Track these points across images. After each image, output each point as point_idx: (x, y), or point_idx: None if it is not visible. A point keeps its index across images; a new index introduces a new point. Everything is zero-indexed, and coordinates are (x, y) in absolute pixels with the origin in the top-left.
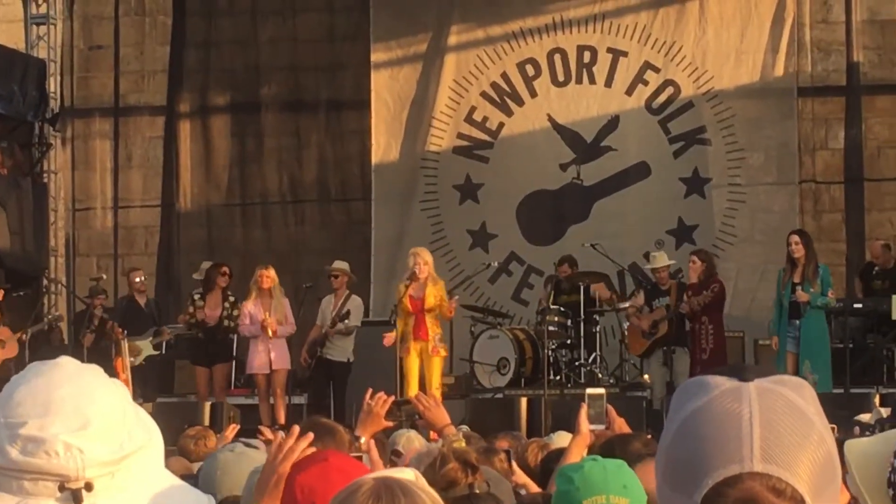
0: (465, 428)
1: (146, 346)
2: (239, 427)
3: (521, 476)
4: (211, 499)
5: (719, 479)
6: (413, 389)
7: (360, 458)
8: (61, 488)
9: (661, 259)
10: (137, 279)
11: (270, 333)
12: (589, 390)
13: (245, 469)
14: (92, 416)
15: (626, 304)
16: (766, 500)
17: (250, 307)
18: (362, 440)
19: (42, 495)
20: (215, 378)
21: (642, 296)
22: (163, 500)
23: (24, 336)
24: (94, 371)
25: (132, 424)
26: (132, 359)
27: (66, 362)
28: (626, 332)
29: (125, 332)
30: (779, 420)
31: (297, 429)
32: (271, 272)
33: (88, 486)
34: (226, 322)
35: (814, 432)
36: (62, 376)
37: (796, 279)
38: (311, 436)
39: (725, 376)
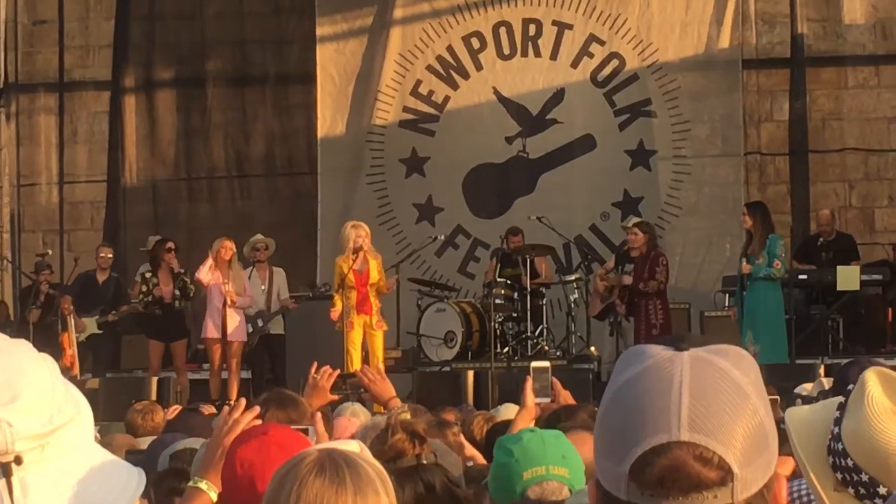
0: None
1: (91, 324)
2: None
3: (469, 448)
4: (141, 472)
5: (647, 448)
6: (356, 363)
7: (305, 430)
8: None
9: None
10: (103, 254)
11: (229, 302)
12: (534, 364)
13: None
14: (21, 390)
15: (574, 277)
16: (692, 468)
17: (206, 275)
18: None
19: None
20: (175, 354)
21: (613, 259)
22: (93, 473)
23: None
24: (24, 346)
25: (61, 399)
26: (77, 334)
27: None
28: (573, 305)
29: (72, 307)
30: (709, 389)
31: (243, 402)
32: (231, 243)
33: (18, 460)
34: (178, 296)
35: (747, 403)
36: None
37: (749, 252)
38: (257, 409)
39: (663, 346)
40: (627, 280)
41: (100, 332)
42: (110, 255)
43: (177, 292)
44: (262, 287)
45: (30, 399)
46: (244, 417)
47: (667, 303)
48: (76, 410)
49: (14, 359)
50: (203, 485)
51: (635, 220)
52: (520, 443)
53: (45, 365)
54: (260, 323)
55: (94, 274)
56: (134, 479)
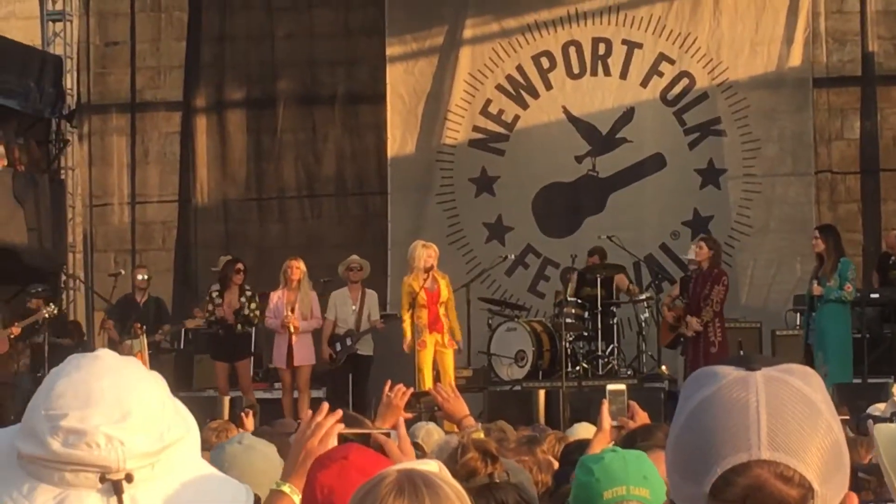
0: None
1: (136, 345)
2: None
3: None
4: (248, 489)
5: (727, 467)
6: (428, 382)
7: (388, 434)
8: (102, 479)
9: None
10: (140, 276)
11: (292, 329)
12: (610, 386)
13: (252, 461)
14: (132, 408)
15: (645, 296)
16: (773, 487)
17: (275, 300)
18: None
19: (83, 486)
20: (240, 373)
21: (678, 287)
22: (201, 489)
23: (14, 331)
24: (134, 363)
25: (171, 416)
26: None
27: (106, 355)
28: (643, 324)
29: (143, 327)
30: (786, 408)
31: (326, 406)
32: (301, 263)
33: (129, 478)
34: (243, 316)
35: (821, 420)
36: (102, 369)
37: (819, 274)
38: (339, 413)
39: (733, 366)
40: (691, 330)
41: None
42: (146, 277)
43: (238, 324)
44: (353, 307)
45: (140, 417)
46: (327, 421)
47: (724, 321)
48: (185, 428)
49: (124, 377)
50: (286, 488)
51: (693, 246)
52: (601, 462)
53: (155, 383)
54: (349, 342)
55: (132, 296)
56: (242, 496)
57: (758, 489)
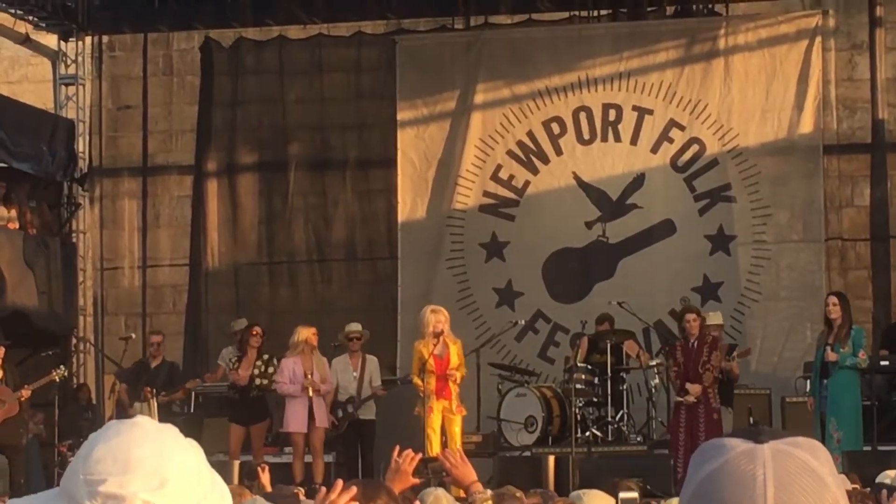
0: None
1: (142, 409)
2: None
3: None
4: None
5: None
6: (436, 447)
7: None
8: None
9: (716, 318)
10: (153, 341)
11: (311, 393)
12: (622, 495)
13: None
14: (170, 476)
15: (655, 363)
16: None
17: (290, 365)
18: None
19: None
20: (253, 437)
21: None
22: None
23: (25, 393)
24: (172, 431)
25: (207, 485)
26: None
27: (144, 421)
28: (653, 390)
29: (153, 391)
30: (792, 481)
31: (340, 483)
32: (314, 331)
33: None
34: (258, 381)
35: (828, 493)
36: (141, 435)
37: (830, 340)
38: (353, 490)
39: (741, 438)
40: (691, 398)
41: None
42: (159, 341)
43: (257, 372)
44: (354, 374)
45: (178, 485)
46: (341, 499)
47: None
48: (220, 497)
49: (162, 444)
50: None
51: (710, 312)
52: None
53: (192, 450)
54: (350, 409)
55: (148, 361)
56: None
57: None
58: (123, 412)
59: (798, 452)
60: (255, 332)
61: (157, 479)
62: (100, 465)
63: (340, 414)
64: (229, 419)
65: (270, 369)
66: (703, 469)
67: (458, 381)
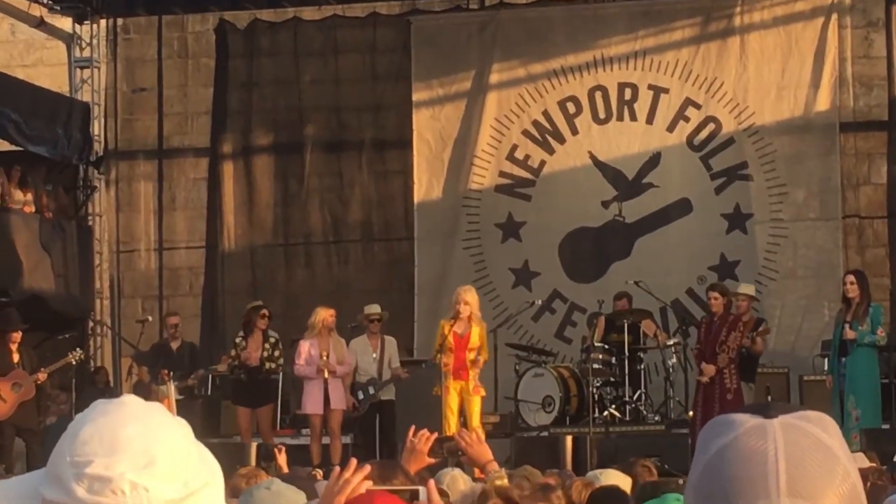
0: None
1: (163, 392)
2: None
3: None
4: None
5: None
6: (454, 427)
7: (416, 493)
8: None
9: (748, 289)
10: (172, 322)
11: (327, 374)
12: None
13: None
14: (157, 455)
15: (672, 342)
16: None
17: (307, 347)
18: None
19: None
20: (260, 419)
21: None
22: None
23: (41, 376)
24: (159, 409)
25: (196, 463)
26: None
27: (131, 401)
28: (671, 369)
29: (171, 374)
30: (803, 455)
31: (354, 462)
32: (332, 312)
33: None
34: (267, 364)
35: (839, 466)
36: (128, 415)
37: (848, 318)
38: (367, 468)
39: (750, 413)
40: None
41: (180, 397)
42: (177, 323)
43: (265, 355)
44: (374, 355)
45: (165, 464)
46: (355, 477)
47: (739, 367)
48: (210, 474)
49: (150, 423)
50: None
51: (741, 283)
52: None
53: (180, 429)
54: (371, 391)
55: (166, 342)
56: None
57: None
58: (143, 392)
59: (808, 426)
60: (263, 314)
61: (144, 458)
62: (86, 446)
63: (361, 396)
64: (234, 402)
65: (276, 352)
66: (714, 444)
67: (481, 364)
